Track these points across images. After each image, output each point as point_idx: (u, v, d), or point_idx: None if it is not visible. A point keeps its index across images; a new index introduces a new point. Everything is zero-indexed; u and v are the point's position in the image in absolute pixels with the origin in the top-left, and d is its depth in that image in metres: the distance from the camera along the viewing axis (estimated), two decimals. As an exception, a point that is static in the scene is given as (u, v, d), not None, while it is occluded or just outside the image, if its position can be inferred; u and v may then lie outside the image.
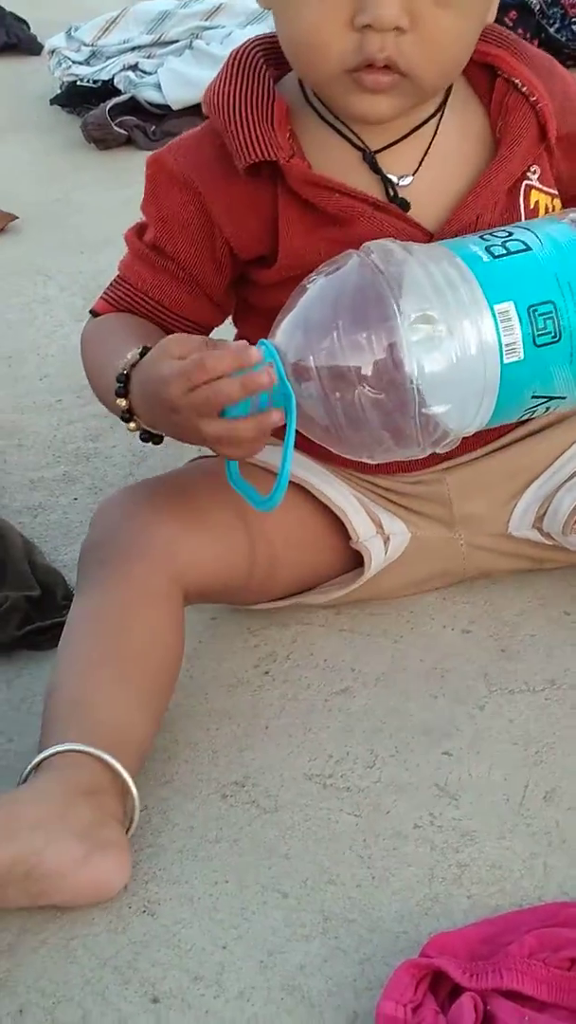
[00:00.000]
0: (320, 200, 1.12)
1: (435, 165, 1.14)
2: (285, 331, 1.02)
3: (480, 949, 0.90)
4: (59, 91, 2.74)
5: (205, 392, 0.99)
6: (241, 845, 1.03)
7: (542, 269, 1.04)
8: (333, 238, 1.11)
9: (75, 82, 2.69)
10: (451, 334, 1.00)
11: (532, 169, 1.17)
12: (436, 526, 1.24)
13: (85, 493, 1.49)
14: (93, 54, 2.74)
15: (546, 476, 1.24)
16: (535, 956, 0.88)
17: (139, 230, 1.21)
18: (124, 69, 2.64)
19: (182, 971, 0.94)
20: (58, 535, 1.42)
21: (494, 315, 1.02)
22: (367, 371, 0.99)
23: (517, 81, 1.15)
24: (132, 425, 1.09)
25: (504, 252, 1.04)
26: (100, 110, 2.55)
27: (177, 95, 2.55)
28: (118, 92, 2.60)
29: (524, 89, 1.15)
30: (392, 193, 1.13)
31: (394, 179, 1.14)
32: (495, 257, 1.04)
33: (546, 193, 1.18)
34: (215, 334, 1.21)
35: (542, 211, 1.18)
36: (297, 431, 1.03)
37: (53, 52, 2.80)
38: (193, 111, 2.50)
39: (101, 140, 2.53)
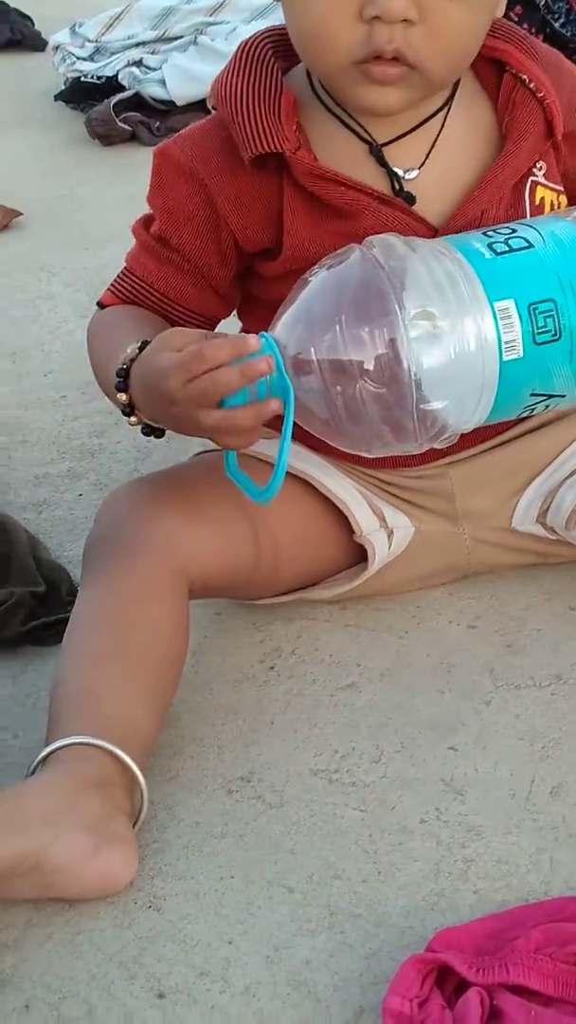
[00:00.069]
0: (325, 193, 1.11)
1: (441, 159, 1.14)
2: (285, 324, 1.02)
3: (486, 944, 0.90)
4: (63, 87, 2.74)
5: (204, 382, 0.99)
6: (247, 840, 1.03)
7: (544, 267, 1.03)
8: (338, 231, 1.11)
9: (79, 78, 2.70)
10: (450, 330, 1.00)
11: (538, 165, 1.17)
12: (439, 520, 1.24)
13: (90, 489, 1.49)
14: (97, 50, 2.74)
15: (548, 472, 1.24)
16: (541, 951, 0.88)
17: (146, 222, 1.21)
18: (128, 65, 2.64)
19: (188, 966, 0.94)
20: (63, 531, 1.42)
21: (494, 312, 1.01)
22: (365, 365, 0.99)
23: (525, 77, 1.15)
24: (133, 419, 1.09)
25: (506, 249, 1.04)
26: (104, 106, 2.55)
27: (181, 91, 2.55)
28: (122, 88, 2.60)
29: (531, 85, 1.15)
30: (398, 187, 1.13)
31: (400, 172, 1.14)
32: (497, 254, 1.04)
33: (552, 189, 1.18)
34: (221, 327, 1.21)
35: (547, 207, 1.18)
36: (296, 424, 1.03)
37: (57, 48, 2.80)
38: (197, 107, 2.51)
39: (105, 136, 2.53)
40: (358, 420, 1.02)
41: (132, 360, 1.06)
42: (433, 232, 1.12)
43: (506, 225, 1.08)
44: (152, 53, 2.69)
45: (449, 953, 0.88)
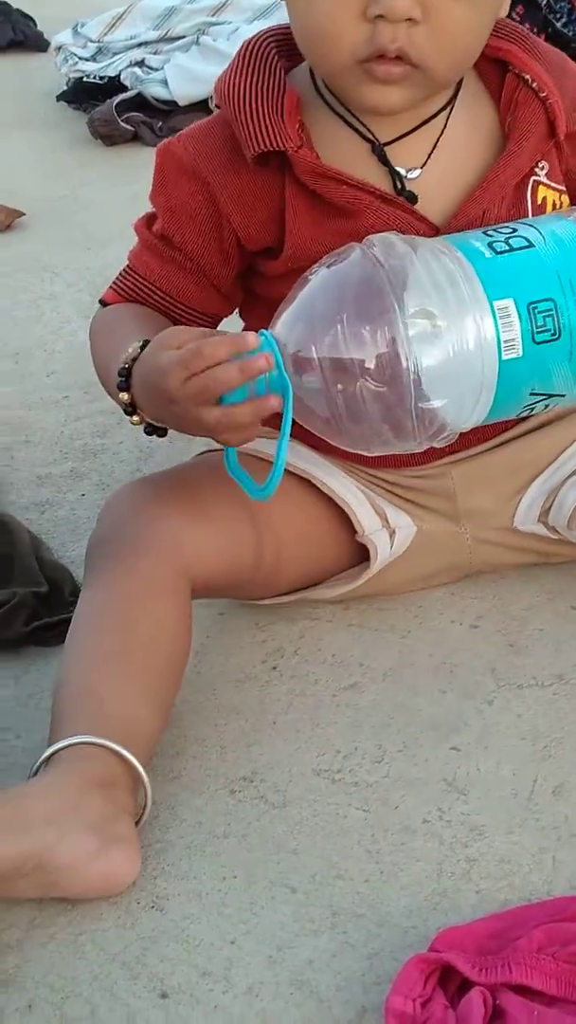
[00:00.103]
0: (327, 191, 1.12)
1: (443, 159, 1.14)
2: (285, 322, 1.03)
3: (489, 944, 0.90)
4: (65, 87, 2.74)
5: (203, 379, 0.99)
6: (249, 840, 1.03)
7: (544, 266, 1.03)
8: (339, 230, 1.11)
9: (81, 78, 2.70)
10: (449, 329, 1.00)
11: (540, 165, 1.17)
12: (441, 520, 1.24)
13: (92, 489, 1.49)
14: (99, 50, 2.74)
15: (550, 471, 1.24)
16: (544, 951, 0.88)
17: (148, 220, 1.21)
18: (130, 65, 2.64)
19: (190, 966, 0.94)
20: (65, 531, 1.42)
21: (493, 311, 1.01)
22: (365, 364, 0.99)
23: (527, 76, 1.15)
24: (136, 419, 1.09)
25: (507, 248, 1.04)
26: (106, 106, 2.55)
27: (184, 91, 2.55)
28: (124, 88, 2.60)
29: (534, 85, 1.15)
30: (400, 186, 1.13)
31: (402, 172, 1.14)
32: (497, 253, 1.04)
33: (554, 189, 1.18)
34: (223, 325, 1.21)
35: (549, 207, 1.18)
36: (297, 424, 1.03)
37: (59, 48, 2.80)
38: (200, 107, 2.51)
39: (107, 136, 2.54)
40: (357, 418, 1.02)
41: (134, 359, 1.06)
42: (435, 231, 1.13)
43: (507, 224, 1.08)
44: (154, 53, 2.69)
45: (452, 953, 0.88)
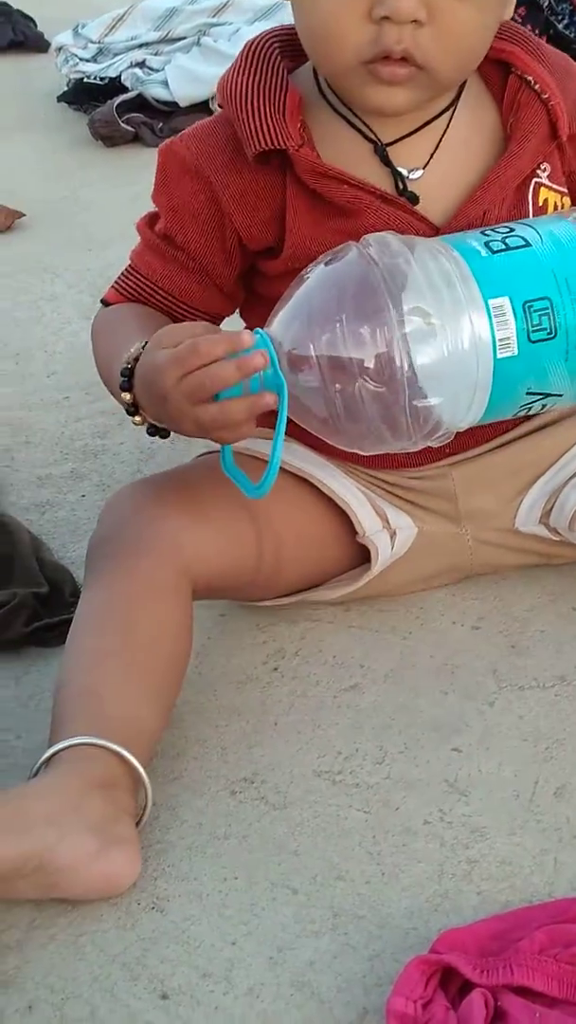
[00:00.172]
0: (328, 191, 1.12)
1: (445, 159, 1.14)
2: (281, 320, 1.03)
3: (490, 945, 0.90)
4: (66, 88, 2.74)
5: (200, 376, 0.99)
6: (250, 841, 1.03)
7: (540, 265, 1.03)
8: (340, 229, 1.11)
9: (82, 79, 2.70)
10: (444, 327, 1.00)
11: (542, 166, 1.17)
12: (442, 521, 1.24)
13: (93, 490, 1.49)
14: (100, 51, 2.74)
15: (552, 472, 1.23)
16: (546, 952, 0.87)
17: (150, 219, 1.21)
18: (131, 66, 2.64)
19: (191, 967, 0.94)
20: (66, 532, 1.42)
21: (488, 310, 1.01)
22: (354, 361, 0.99)
23: (530, 78, 1.15)
24: (138, 419, 1.09)
25: (503, 248, 1.04)
26: (107, 107, 2.55)
27: (184, 92, 2.55)
28: (125, 89, 2.60)
29: (536, 86, 1.15)
30: (401, 186, 1.13)
31: (404, 172, 1.14)
32: (493, 252, 1.04)
33: (555, 191, 1.18)
34: (225, 324, 1.21)
35: (551, 208, 1.18)
36: (296, 424, 1.03)
37: (60, 49, 2.80)
38: (200, 108, 2.51)
39: (108, 137, 2.54)
40: (352, 416, 1.02)
41: (136, 359, 1.06)
42: (435, 231, 1.13)
43: (505, 224, 1.08)
44: (155, 54, 2.69)
45: (453, 954, 0.88)
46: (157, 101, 2.57)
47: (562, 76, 1.18)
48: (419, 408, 1.02)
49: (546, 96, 1.15)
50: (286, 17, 1.12)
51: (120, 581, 1.10)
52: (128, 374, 1.07)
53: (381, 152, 1.13)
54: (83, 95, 2.69)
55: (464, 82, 1.15)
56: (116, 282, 1.23)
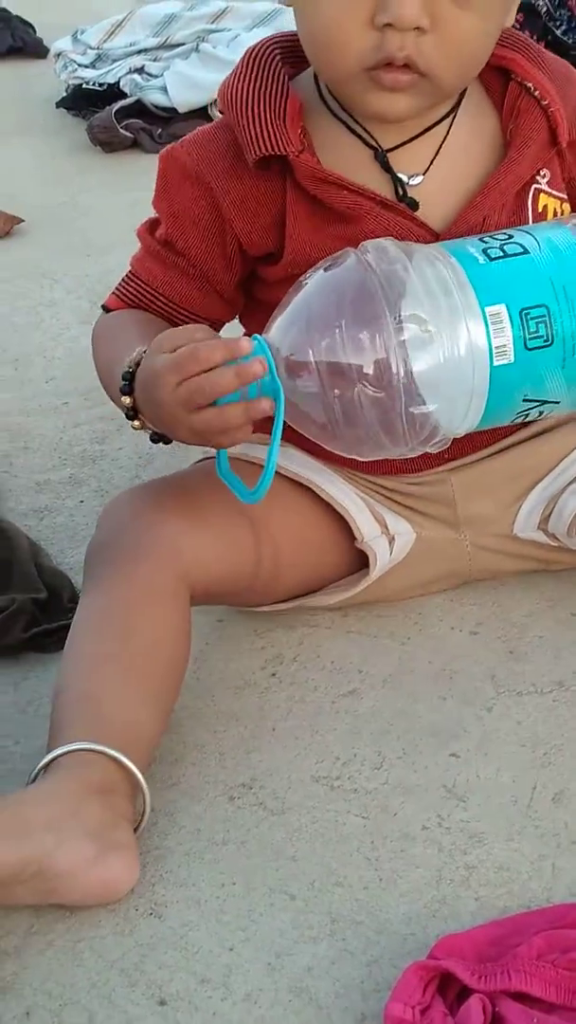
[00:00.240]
0: (328, 196, 1.12)
1: (445, 165, 1.15)
2: (279, 327, 1.03)
3: (488, 951, 0.90)
4: (65, 94, 2.75)
5: (199, 382, 0.99)
6: (248, 847, 1.03)
7: (538, 273, 1.03)
8: (340, 235, 1.11)
9: (81, 85, 2.70)
10: (440, 334, 1.00)
11: (542, 173, 1.17)
12: (441, 527, 1.24)
13: (91, 496, 1.49)
14: (99, 57, 2.75)
15: (551, 478, 1.23)
16: (544, 958, 0.87)
17: (151, 225, 1.21)
18: (130, 72, 2.65)
19: (189, 973, 0.93)
20: (64, 537, 1.42)
21: (485, 317, 1.01)
22: (352, 368, 0.99)
23: (530, 85, 1.15)
24: (137, 423, 1.09)
25: (501, 255, 1.04)
26: (106, 113, 2.55)
27: (183, 98, 2.56)
28: (124, 95, 2.61)
29: (536, 93, 1.15)
30: (401, 192, 1.13)
31: (404, 178, 1.14)
32: (491, 259, 1.04)
33: (555, 197, 1.18)
34: (225, 330, 1.21)
35: (550, 215, 1.18)
36: (293, 430, 1.04)
37: (59, 55, 2.81)
38: (199, 114, 2.51)
39: (107, 143, 2.54)
40: (349, 422, 1.02)
41: (137, 364, 1.06)
42: (435, 237, 1.12)
43: (504, 231, 1.08)
44: (154, 60, 2.70)
45: (451, 960, 0.88)
46: (156, 107, 2.58)
47: (562, 83, 1.18)
48: (416, 414, 1.02)
49: (546, 103, 1.15)
50: (285, 23, 1.12)
51: (119, 586, 1.10)
52: (129, 378, 1.07)
53: (381, 158, 1.13)
54: (82, 101, 2.69)
55: (465, 88, 1.15)
56: (116, 288, 1.23)
